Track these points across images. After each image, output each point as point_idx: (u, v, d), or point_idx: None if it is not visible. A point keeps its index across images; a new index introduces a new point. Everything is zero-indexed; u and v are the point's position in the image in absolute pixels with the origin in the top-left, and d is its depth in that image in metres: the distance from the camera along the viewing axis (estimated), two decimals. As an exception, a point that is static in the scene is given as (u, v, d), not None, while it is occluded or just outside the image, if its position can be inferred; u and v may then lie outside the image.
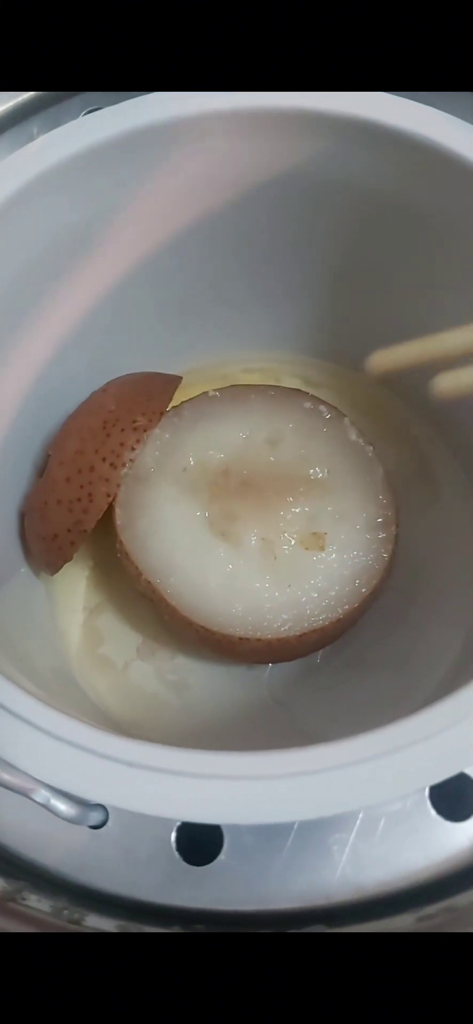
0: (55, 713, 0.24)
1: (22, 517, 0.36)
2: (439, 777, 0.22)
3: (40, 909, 0.23)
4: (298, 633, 0.32)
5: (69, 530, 0.34)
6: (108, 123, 0.30)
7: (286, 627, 0.32)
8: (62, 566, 0.35)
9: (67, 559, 0.35)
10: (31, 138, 0.30)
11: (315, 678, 0.36)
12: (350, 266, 0.37)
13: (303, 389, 0.38)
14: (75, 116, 0.30)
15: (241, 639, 0.32)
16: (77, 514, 0.34)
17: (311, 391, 0.38)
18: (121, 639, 0.37)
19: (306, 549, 0.34)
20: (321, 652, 0.36)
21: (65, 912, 0.23)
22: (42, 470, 0.36)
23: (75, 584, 0.38)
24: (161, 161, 0.32)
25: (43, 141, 0.29)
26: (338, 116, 0.31)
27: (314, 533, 0.34)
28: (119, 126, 0.30)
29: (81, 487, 0.34)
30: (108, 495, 0.34)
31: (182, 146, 0.32)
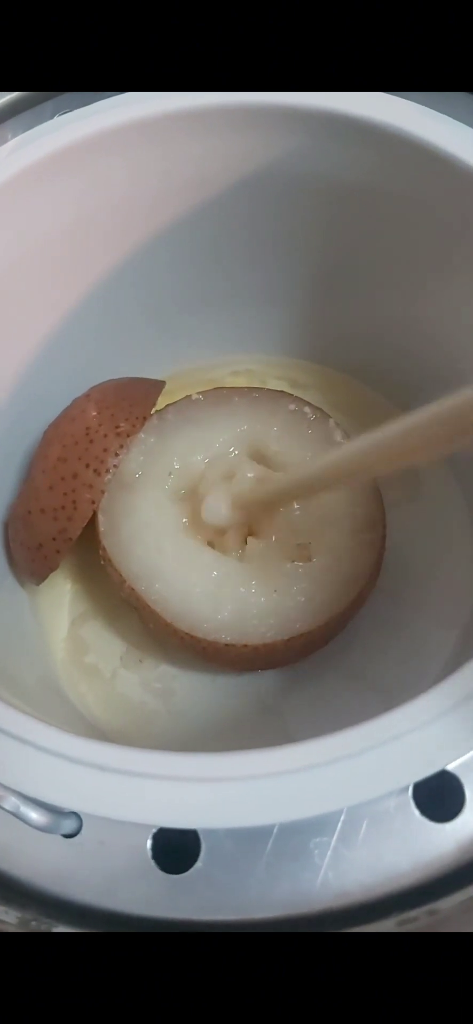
0: (25, 717, 0.23)
1: (5, 527, 0.36)
2: (421, 774, 0.22)
3: (6, 921, 0.22)
4: (285, 638, 0.32)
5: (54, 539, 0.34)
6: (81, 124, 0.30)
7: (272, 632, 0.32)
8: (47, 575, 0.34)
9: (52, 568, 0.34)
10: (5, 143, 0.30)
11: (306, 684, 0.35)
12: (333, 266, 0.37)
13: (289, 391, 0.38)
14: (48, 120, 0.30)
15: (227, 645, 0.32)
16: (62, 522, 0.33)
17: (297, 392, 0.37)
18: (107, 648, 0.36)
19: (293, 561, 0.33)
20: (312, 657, 0.35)
21: (33, 923, 0.22)
22: (25, 479, 0.36)
23: (60, 593, 0.37)
24: (138, 162, 0.32)
25: (17, 143, 0.29)
26: (317, 111, 0.31)
27: (299, 544, 0.34)
28: (92, 126, 0.30)
29: (65, 495, 0.33)
30: (92, 502, 0.33)
31: (158, 146, 0.32)
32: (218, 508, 0.33)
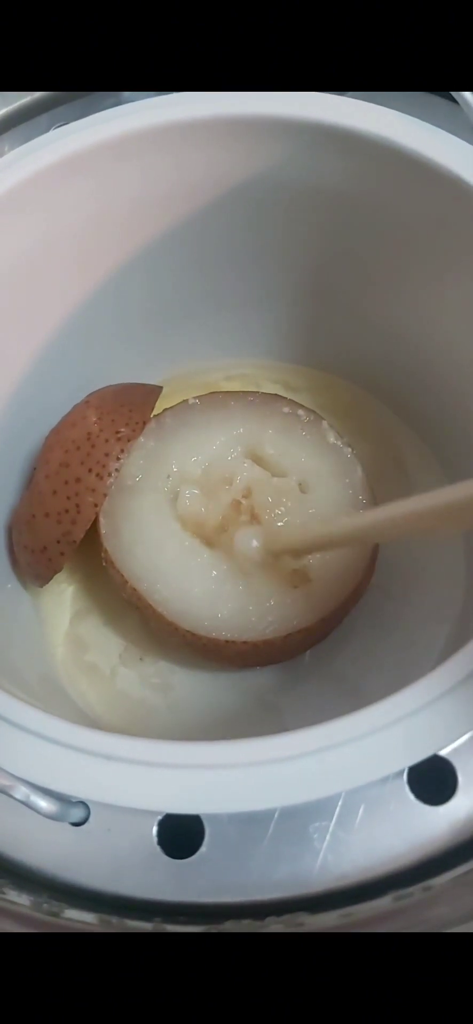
0: (33, 710, 0.24)
1: (9, 531, 0.37)
2: (415, 759, 0.22)
3: (20, 903, 0.23)
4: (283, 634, 0.33)
5: (58, 541, 0.34)
6: (77, 136, 0.31)
7: (271, 629, 0.33)
8: (52, 577, 0.35)
9: (57, 570, 0.35)
10: (2, 156, 0.30)
11: (304, 680, 0.36)
12: (325, 272, 0.37)
13: (283, 394, 0.38)
14: (44, 132, 0.31)
15: (227, 642, 0.33)
16: (65, 525, 0.34)
17: (291, 396, 0.38)
18: (107, 646, 0.37)
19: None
20: (309, 654, 0.36)
21: (45, 906, 0.23)
22: (28, 483, 0.37)
23: (61, 594, 0.38)
24: (132, 172, 0.33)
25: (14, 155, 0.30)
26: (307, 121, 0.32)
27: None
28: (88, 139, 0.31)
29: (68, 498, 0.34)
30: (95, 505, 0.34)
31: (153, 157, 0.32)
32: (249, 541, 0.34)
